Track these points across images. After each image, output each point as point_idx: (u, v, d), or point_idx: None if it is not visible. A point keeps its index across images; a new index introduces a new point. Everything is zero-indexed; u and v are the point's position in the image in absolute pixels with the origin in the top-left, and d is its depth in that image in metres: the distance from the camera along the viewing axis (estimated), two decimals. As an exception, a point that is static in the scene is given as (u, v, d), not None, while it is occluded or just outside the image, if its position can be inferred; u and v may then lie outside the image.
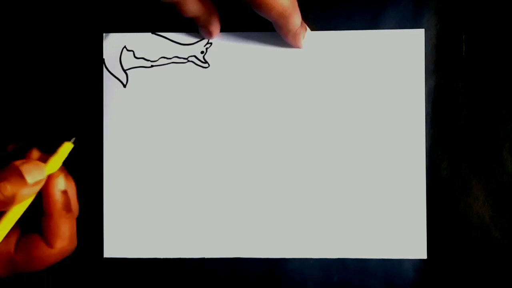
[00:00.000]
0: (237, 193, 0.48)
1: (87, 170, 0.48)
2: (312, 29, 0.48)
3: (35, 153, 0.42)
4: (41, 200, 0.41)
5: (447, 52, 0.48)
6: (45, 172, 0.40)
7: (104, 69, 0.48)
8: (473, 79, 0.48)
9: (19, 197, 0.38)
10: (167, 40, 0.48)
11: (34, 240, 0.41)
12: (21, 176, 0.38)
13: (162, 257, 0.49)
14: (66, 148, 0.43)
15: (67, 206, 0.41)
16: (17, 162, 0.38)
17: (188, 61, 0.48)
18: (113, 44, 0.48)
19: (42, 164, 0.40)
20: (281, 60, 0.48)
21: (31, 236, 0.41)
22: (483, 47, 0.48)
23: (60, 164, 0.42)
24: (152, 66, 0.48)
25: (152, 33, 0.48)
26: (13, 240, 0.41)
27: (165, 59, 0.48)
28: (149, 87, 0.48)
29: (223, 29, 0.48)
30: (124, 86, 0.48)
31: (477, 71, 0.48)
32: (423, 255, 0.48)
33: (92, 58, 0.49)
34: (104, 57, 0.48)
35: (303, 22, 0.46)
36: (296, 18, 0.44)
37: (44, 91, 0.49)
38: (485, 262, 0.48)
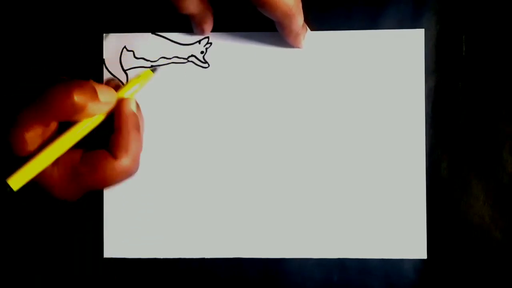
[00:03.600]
0: (237, 193, 0.48)
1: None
2: (312, 29, 0.48)
3: (112, 83, 0.45)
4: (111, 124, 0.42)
5: (447, 52, 0.48)
6: (115, 96, 0.42)
7: (104, 69, 0.48)
8: (473, 79, 0.48)
9: (88, 110, 0.40)
10: (167, 40, 0.48)
11: (100, 153, 0.41)
12: (94, 91, 0.40)
13: (162, 257, 0.49)
14: (145, 75, 0.44)
15: (137, 126, 0.42)
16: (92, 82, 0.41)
17: (188, 61, 0.48)
18: (113, 44, 0.48)
19: (113, 90, 0.42)
20: (281, 60, 0.48)
21: (97, 151, 0.41)
22: (483, 47, 0.48)
23: (136, 91, 0.44)
24: (152, 66, 0.48)
25: (152, 33, 0.48)
26: (78, 154, 0.42)
27: (165, 59, 0.48)
28: (149, 87, 0.48)
29: (223, 29, 0.48)
30: (124, 86, 0.49)
31: (477, 71, 0.48)
32: (423, 255, 0.48)
33: (92, 58, 0.49)
34: (104, 57, 0.48)
35: (304, 23, 0.46)
36: (299, 19, 0.44)
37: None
38: (485, 262, 0.48)
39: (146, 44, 0.48)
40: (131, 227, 0.48)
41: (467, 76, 0.48)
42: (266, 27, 0.47)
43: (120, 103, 0.42)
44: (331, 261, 0.48)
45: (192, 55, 0.48)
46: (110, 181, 0.42)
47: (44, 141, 0.40)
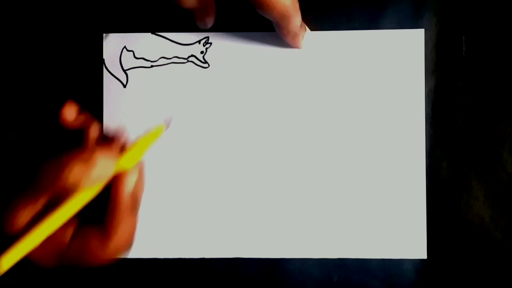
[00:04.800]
0: (237, 193, 0.48)
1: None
2: (312, 29, 0.48)
3: (116, 136, 0.40)
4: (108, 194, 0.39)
5: (447, 52, 0.48)
6: (113, 168, 0.37)
7: (104, 69, 0.49)
8: (473, 79, 0.48)
9: (81, 187, 0.36)
10: (167, 40, 0.48)
11: (92, 233, 0.38)
12: (89, 165, 0.35)
13: (162, 257, 0.49)
14: (155, 133, 0.40)
15: (132, 208, 0.39)
16: (92, 147, 0.37)
17: (188, 61, 0.48)
18: (113, 44, 0.48)
19: (114, 158, 0.37)
20: (281, 60, 0.48)
21: (90, 229, 0.38)
22: (483, 47, 0.48)
23: (139, 158, 0.39)
24: (152, 66, 0.48)
25: (152, 33, 0.48)
26: (70, 231, 0.38)
27: (165, 59, 0.48)
28: (149, 87, 0.48)
29: (223, 29, 0.48)
30: (124, 86, 0.48)
31: (477, 71, 0.48)
32: (423, 255, 0.48)
33: (92, 58, 0.49)
34: (104, 57, 0.49)
35: (303, 23, 0.46)
36: (296, 19, 0.44)
37: (45, 91, 0.49)
38: (485, 262, 0.48)
39: (146, 44, 0.48)
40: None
41: (467, 76, 0.48)
42: (266, 27, 0.47)
43: (119, 182, 0.38)
44: (331, 261, 0.48)
45: (192, 55, 0.48)
46: (99, 263, 0.39)
47: (34, 215, 0.37)
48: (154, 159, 0.48)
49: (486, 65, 0.48)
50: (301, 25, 0.46)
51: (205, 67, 0.48)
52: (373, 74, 0.48)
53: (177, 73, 0.48)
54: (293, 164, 0.48)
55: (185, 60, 0.48)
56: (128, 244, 0.40)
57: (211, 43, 0.48)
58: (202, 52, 0.48)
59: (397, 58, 0.48)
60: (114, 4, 0.48)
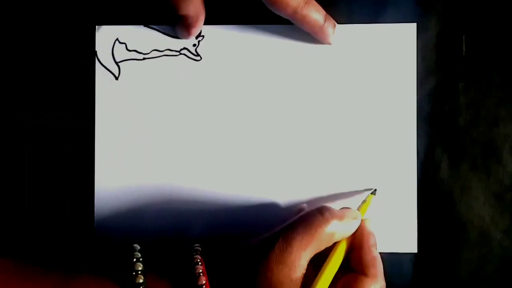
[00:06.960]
0: (232, 189, 0.48)
1: (78, 163, 0.48)
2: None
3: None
4: None
5: (447, 52, 0.48)
6: (360, 217, 0.43)
7: (96, 61, 0.49)
8: (473, 79, 0.48)
9: (336, 235, 0.42)
10: (160, 33, 0.49)
11: (353, 278, 0.41)
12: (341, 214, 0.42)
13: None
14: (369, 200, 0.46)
15: (376, 245, 0.43)
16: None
17: (180, 54, 0.48)
18: (105, 36, 0.49)
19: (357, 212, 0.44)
20: (274, 54, 0.48)
21: (349, 276, 0.42)
22: (483, 47, 0.48)
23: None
24: (144, 58, 0.48)
25: (144, 26, 0.49)
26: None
27: (157, 52, 0.49)
28: (141, 79, 0.48)
29: (216, 22, 0.48)
30: (116, 78, 0.49)
31: (477, 71, 0.48)
32: (414, 249, 0.47)
33: (84, 50, 0.49)
34: (96, 49, 0.49)
35: (329, 17, 0.46)
36: (312, 12, 0.45)
37: (36, 84, 0.49)
38: (484, 262, 0.48)
39: (139, 36, 0.48)
40: (123, 223, 0.48)
41: (467, 76, 0.48)
42: (258, 20, 0.47)
43: (361, 223, 0.43)
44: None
45: (184, 48, 0.48)
46: None
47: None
48: (146, 152, 0.48)
49: (486, 65, 0.48)
50: (327, 19, 0.46)
51: (198, 60, 0.48)
52: (366, 69, 0.48)
53: (170, 66, 0.48)
54: (287, 163, 0.48)
55: (178, 53, 0.48)
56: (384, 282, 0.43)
57: (203, 36, 0.48)
58: (194, 45, 0.48)
59: (389, 52, 0.48)
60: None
